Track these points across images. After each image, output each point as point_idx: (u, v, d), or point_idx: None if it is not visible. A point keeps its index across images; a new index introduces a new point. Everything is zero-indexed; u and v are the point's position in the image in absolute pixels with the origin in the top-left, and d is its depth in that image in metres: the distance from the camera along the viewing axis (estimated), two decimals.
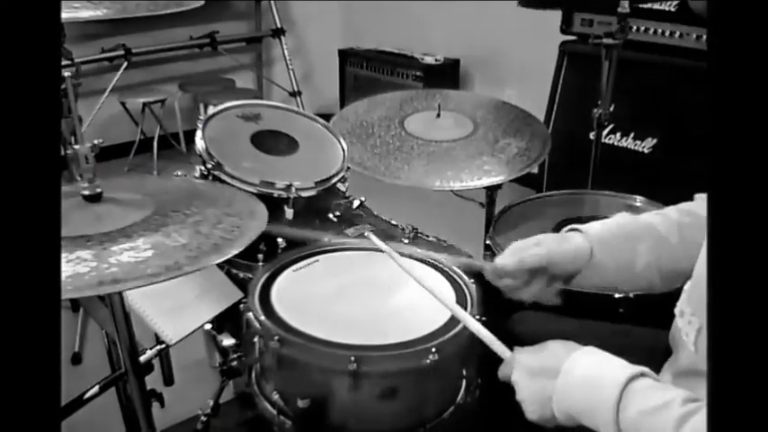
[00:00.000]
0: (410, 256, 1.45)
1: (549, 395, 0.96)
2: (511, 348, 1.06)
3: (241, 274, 1.66)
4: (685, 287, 1.06)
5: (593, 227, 1.20)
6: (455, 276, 1.45)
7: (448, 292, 1.39)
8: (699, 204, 1.20)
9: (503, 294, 1.23)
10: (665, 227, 1.17)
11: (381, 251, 1.28)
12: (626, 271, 1.17)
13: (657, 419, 0.84)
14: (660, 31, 2.83)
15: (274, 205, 1.55)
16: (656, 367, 1.10)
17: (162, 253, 1.02)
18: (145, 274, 0.96)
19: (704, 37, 2.66)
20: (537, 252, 1.16)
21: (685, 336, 1.00)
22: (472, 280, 1.42)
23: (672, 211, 1.21)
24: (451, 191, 1.83)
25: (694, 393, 0.88)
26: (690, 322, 0.99)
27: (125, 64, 4.15)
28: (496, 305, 1.44)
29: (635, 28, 2.85)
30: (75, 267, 0.96)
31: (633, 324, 1.40)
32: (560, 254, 1.16)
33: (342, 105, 4.82)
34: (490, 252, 1.73)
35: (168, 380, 1.56)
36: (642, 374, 0.91)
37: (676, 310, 1.06)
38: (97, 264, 0.97)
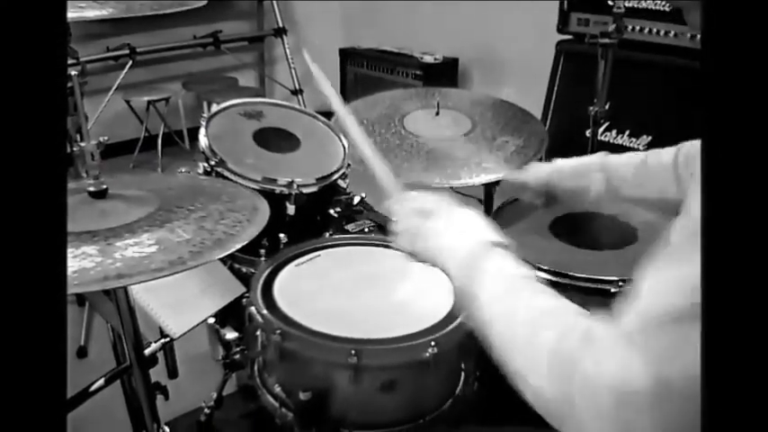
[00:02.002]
0: None
1: (419, 233, 0.97)
2: None
3: (244, 269, 1.66)
4: None
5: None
6: None
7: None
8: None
9: None
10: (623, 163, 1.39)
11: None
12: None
13: (503, 283, 0.83)
14: (655, 30, 2.83)
15: (276, 201, 1.55)
16: None
17: (166, 248, 1.02)
18: (149, 269, 0.96)
19: (698, 36, 2.66)
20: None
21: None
22: None
23: (642, 154, 1.39)
24: (450, 187, 1.83)
25: None
26: None
27: (130, 63, 4.14)
28: None
29: (630, 27, 2.84)
30: (81, 263, 0.96)
31: None
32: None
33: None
34: None
35: (172, 373, 1.56)
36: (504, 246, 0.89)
37: None
38: (102, 259, 0.97)
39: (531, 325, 0.75)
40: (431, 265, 0.95)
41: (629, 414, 0.61)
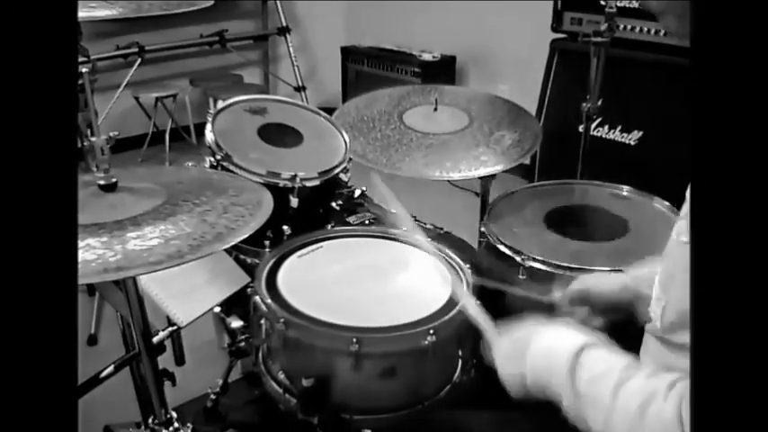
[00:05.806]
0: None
1: (522, 371, 0.98)
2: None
3: (249, 260, 1.66)
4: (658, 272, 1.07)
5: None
6: (452, 262, 1.45)
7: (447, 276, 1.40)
8: None
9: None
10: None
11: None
12: None
13: (600, 386, 0.87)
14: (646, 29, 2.82)
15: (280, 194, 1.55)
16: (638, 341, 1.11)
17: (166, 241, 1.01)
18: (147, 261, 0.95)
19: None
20: (575, 284, 1.26)
21: (653, 313, 1.02)
22: (468, 265, 1.42)
23: None
24: (448, 181, 1.83)
25: (665, 358, 0.93)
26: (659, 298, 1.01)
27: (138, 60, 4.13)
28: (490, 290, 1.44)
29: (622, 26, 2.83)
30: (84, 254, 0.95)
31: None
32: (597, 284, 1.24)
33: (344, 100, 4.81)
34: (485, 239, 1.72)
35: (179, 360, 1.56)
36: (595, 344, 0.93)
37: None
38: (104, 251, 0.96)
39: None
40: (537, 388, 0.96)
41: None
